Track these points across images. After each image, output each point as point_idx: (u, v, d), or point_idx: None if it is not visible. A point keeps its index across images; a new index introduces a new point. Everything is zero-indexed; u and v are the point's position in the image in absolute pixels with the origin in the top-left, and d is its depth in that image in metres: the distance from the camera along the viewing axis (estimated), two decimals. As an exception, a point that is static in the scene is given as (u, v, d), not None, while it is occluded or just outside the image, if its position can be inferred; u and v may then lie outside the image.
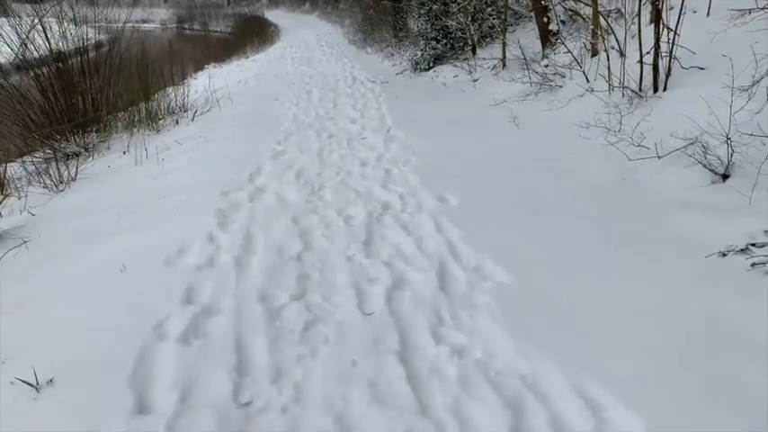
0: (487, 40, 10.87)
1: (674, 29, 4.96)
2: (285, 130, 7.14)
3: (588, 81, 6.26)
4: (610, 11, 7.31)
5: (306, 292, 3.05)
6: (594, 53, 7.14)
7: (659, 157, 4.09)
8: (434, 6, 10.92)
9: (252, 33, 25.84)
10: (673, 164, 4.00)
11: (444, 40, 11.07)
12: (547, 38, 8.29)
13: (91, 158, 7.38)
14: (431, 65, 11.15)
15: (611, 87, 5.65)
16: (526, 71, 7.53)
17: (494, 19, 10.40)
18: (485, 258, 3.19)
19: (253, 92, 11.63)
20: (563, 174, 4.49)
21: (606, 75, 5.73)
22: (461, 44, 11.03)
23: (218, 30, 36.03)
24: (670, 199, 3.68)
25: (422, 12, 11.52)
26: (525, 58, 7.67)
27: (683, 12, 4.97)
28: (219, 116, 8.99)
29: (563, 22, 8.20)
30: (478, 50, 10.58)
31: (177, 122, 9.07)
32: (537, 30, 8.89)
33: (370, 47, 16.96)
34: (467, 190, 4.31)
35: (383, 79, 11.44)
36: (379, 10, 17.53)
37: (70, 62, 9.61)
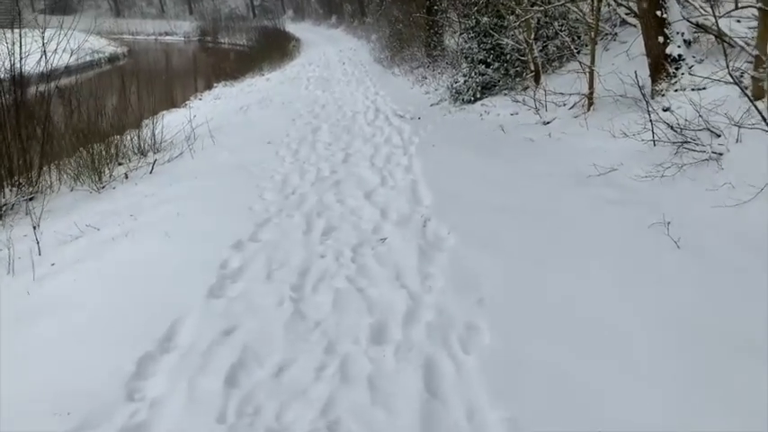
0: (555, 64, 8.15)
1: None
2: (261, 210, 4.52)
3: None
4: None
5: None
6: (759, 95, 4.39)
7: None
8: (484, 19, 8.25)
9: (271, 48, 23.65)
10: None
11: (496, 64, 8.39)
12: (661, 65, 5.54)
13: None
14: (477, 95, 8.47)
15: None
16: (645, 118, 4.78)
17: (565, 35, 7.67)
18: None
19: (247, 127, 9.11)
20: None
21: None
22: (519, 69, 8.33)
23: (241, 43, 34.09)
24: None
25: (466, 26, 8.87)
26: (645, 99, 4.89)
27: None
28: (184, 170, 6.44)
29: (688, 43, 5.50)
30: (543, 78, 7.86)
31: (127, 177, 6.55)
32: (645, 52, 6.15)
33: (398, 67, 14.38)
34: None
35: (414, 112, 8.80)
36: (409, 24, 14.96)
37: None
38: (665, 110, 5.04)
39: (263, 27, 36.14)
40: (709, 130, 4.19)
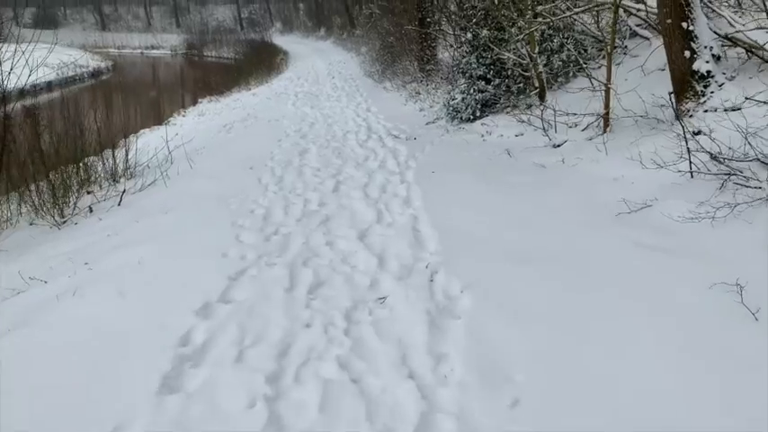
0: (561, 79, 7.57)
1: None
2: (237, 256, 3.84)
3: None
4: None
5: None
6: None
7: None
8: (483, 32, 7.67)
9: (258, 62, 23.04)
10: None
11: (497, 80, 7.80)
12: (687, 82, 4.96)
13: None
14: (477, 113, 7.87)
15: None
16: (674, 142, 4.17)
17: (572, 48, 7.11)
18: None
19: (229, 149, 8.45)
20: None
21: None
22: (522, 86, 7.75)
23: (229, 56, 33.49)
24: None
25: (463, 39, 8.29)
26: (680, 121, 4.27)
27: None
28: (156, 201, 5.76)
29: (717, 58, 4.93)
30: (548, 95, 7.28)
31: (91, 210, 5.85)
32: (663, 67, 5.60)
33: (389, 81, 13.80)
34: None
35: (409, 132, 8.19)
36: (400, 37, 14.40)
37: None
38: (697, 133, 4.45)
39: (250, 40, 35.58)
40: (760, 161, 3.59)
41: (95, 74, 31.56)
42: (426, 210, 4.54)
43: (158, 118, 15.43)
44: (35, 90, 24.76)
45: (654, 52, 6.20)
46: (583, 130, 5.82)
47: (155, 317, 3.03)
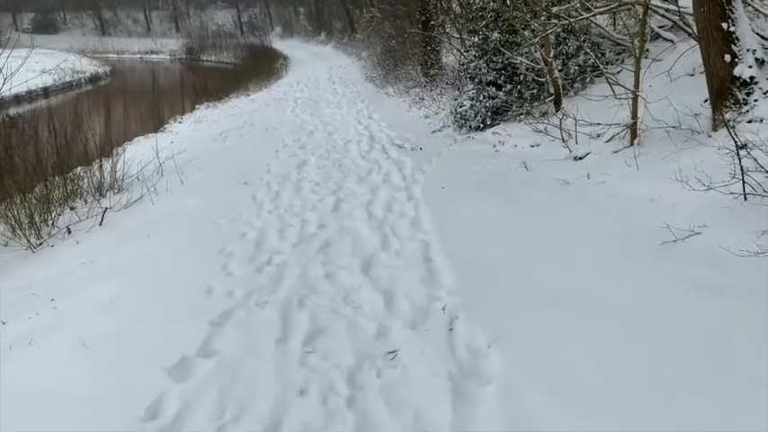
0: (577, 85, 7.07)
1: None
2: (222, 293, 3.33)
3: None
4: None
5: None
6: None
7: None
8: (494, 35, 7.17)
9: (258, 67, 22.60)
10: None
11: (508, 86, 7.30)
12: (727, 90, 4.45)
13: None
14: (487, 122, 7.37)
15: None
16: (719, 157, 3.66)
17: (590, 51, 6.60)
18: None
19: (224, 160, 7.95)
20: None
21: None
22: (535, 92, 7.25)
23: (228, 61, 33.08)
24: None
25: (472, 43, 7.79)
26: (730, 133, 3.75)
27: None
28: (140, 221, 5.28)
29: (761, 62, 4.42)
30: (564, 102, 6.79)
31: (69, 231, 5.35)
32: (693, 72, 5.11)
33: (391, 86, 13.31)
34: None
35: (414, 142, 7.69)
36: (403, 41, 13.91)
37: None
38: (741, 147, 3.93)
39: (250, 45, 35.19)
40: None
41: (93, 79, 31.16)
42: (438, 234, 4.04)
43: (154, 125, 14.97)
44: (30, 96, 24.40)
45: (686, 55, 5.69)
46: (607, 142, 5.31)
47: (120, 376, 2.52)
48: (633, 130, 5.02)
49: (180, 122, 15.16)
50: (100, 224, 5.45)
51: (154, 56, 45.05)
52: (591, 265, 3.22)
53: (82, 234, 5.26)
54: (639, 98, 4.98)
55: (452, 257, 3.54)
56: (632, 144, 5.01)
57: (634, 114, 5.01)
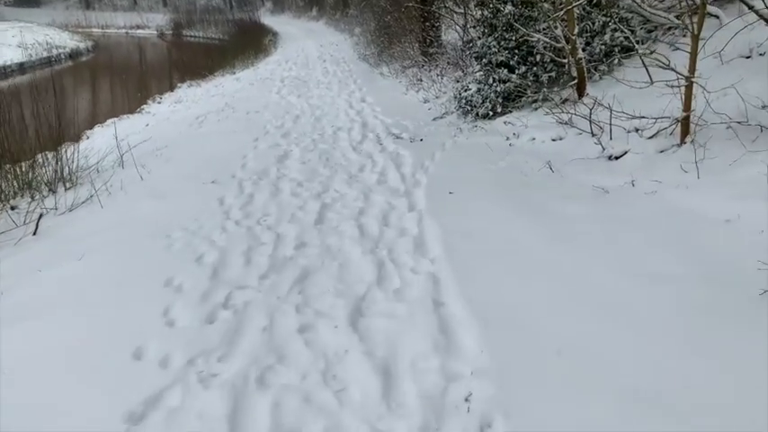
0: (603, 68, 6.09)
1: None
2: (154, 358, 2.40)
3: None
4: None
5: None
6: None
7: None
8: (507, 8, 6.16)
9: (246, 43, 21.38)
10: None
11: (523, 68, 6.31)
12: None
13: None
14: (498, 108, 6.40)
15: None
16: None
17: (622, 28, 5.62)
18: None
19: (195, 150, 6.97)
20: None
21: None
22: (553, 75, 6.27)
23: (216, 37, 31.68)
24: None
25: (481, 17, 6.77)
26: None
27: None
28: (80, 232, 4.32)
29: None
30: (588, 87, 5.82)
31: (-7, 244, 4.38)
32: (754, 53, 4.15)
33: (386, 65, 12.26)
34: None
35: (413, 131, 6.73)
36: (399, 16, 12.80)
37: None
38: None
39: (239, 20, 33.72)
40: None
41: (74, 55, 29.71)
42: (450, 263, 3.10)
43: (132, 105, 13.90)
44: (6, 72, 23.03)
45: (737, 35, 4.72)
46: (650, 138, 4.36)
47: None
48: (685, 124, 4.07)
49: (159, 102, 14.09)
50: (34, 233, 4.48)
51: (140, 31, 43.35)
52: (662, 326, 2.30)
53: (8, 247, 4.28)
54: (695, 85, 4.03)
55: (473, 305, 2.61)
56: (682, 142, 4.07)
57: (687, 106, 4.06)
